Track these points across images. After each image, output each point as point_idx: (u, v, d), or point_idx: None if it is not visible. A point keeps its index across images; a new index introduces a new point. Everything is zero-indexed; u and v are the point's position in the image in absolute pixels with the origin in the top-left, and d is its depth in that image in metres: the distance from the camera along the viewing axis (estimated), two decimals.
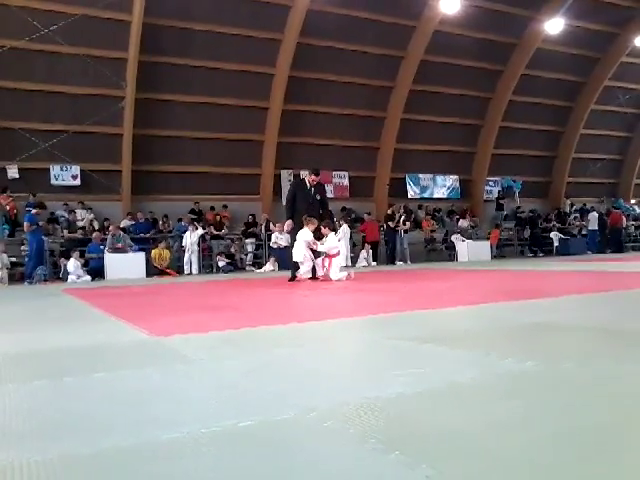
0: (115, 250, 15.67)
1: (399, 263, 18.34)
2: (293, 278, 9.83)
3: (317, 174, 10.21)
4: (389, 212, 19.29)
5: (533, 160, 26.38)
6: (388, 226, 18.78)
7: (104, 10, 17.74)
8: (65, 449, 1.59)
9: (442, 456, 1.41)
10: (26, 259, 14.93)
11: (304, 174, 10.25)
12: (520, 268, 12.37)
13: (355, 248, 19.06)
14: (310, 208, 9.96)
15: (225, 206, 19.99)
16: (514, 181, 25.63)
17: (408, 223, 19.51)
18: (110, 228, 16.28)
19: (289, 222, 10.13)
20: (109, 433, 1.72)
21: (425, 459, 1.38)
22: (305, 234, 9.63)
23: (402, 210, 19.46)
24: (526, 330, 3.47)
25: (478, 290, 7.17)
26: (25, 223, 14.65)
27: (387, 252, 19.00)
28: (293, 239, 10.12)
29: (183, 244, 17.05)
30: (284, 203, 11.02)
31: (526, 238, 23.48)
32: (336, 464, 1.41)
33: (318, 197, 10.15)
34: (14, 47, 17.06)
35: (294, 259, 9.73)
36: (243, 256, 19.06)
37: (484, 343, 3.08)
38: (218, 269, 17.38)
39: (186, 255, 16.90)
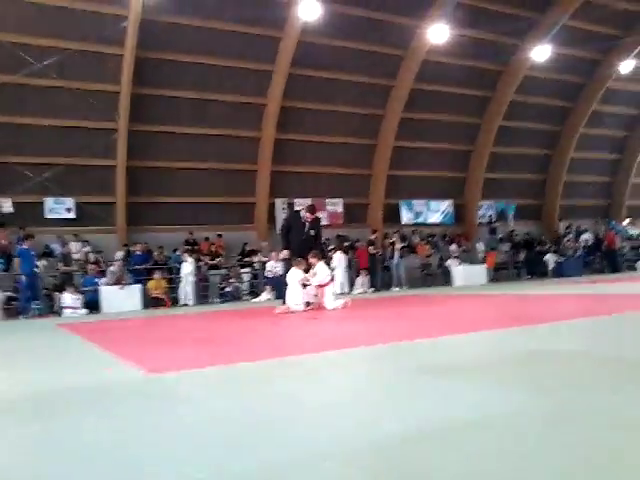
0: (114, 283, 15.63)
1: (395, 289, 18.31)
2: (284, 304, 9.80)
3: (312, 212, 10.35)
4: (371, 238, 19.42)
5: (525, 183, 26.58)
6: (368, 252, 18.84)
7: (97, 44, 17.92)
8: None
9: None
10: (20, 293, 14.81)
11: (298, 203, 10.34)
12: (518, 292, 12.35)
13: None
14: (304, 239, 10.05)
15: (219, 235, 19.98)
16: (507, 204, 25.77)
17: (402, 248, 19.54)
18: (115, 265, 16.16)
19: (286, 251, 10.23)
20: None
21: None
22: (295, 275, 9.61)
23: (394, 237, 19.51)
24: (525, 358, 3.45)
25: (475, 317, 7.14)
26: (15, 259, 14.58)
27: (370, 278, 18.85)
28: (288, 269, 10.11)
29: (180, 274, 16.98)
30: (278, 232, 11.08)
31: (521, 261, 23.52)
32: None
33: (312, 232, 10.25)
34: (7, 82, 17.17)
35: (291, 304, 9.63)
36: (239, 285, 18.97)
37: (484, 374, 3.06)
38: (221, 296, 17.47)
39: (181, 285, 16.81)
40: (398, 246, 19.09)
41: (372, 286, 18.27)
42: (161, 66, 19.06)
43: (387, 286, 18.97)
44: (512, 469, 1.57)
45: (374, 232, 20.00)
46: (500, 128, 24.78)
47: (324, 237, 19.94)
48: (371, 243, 19.09)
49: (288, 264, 10.19)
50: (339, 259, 17.35)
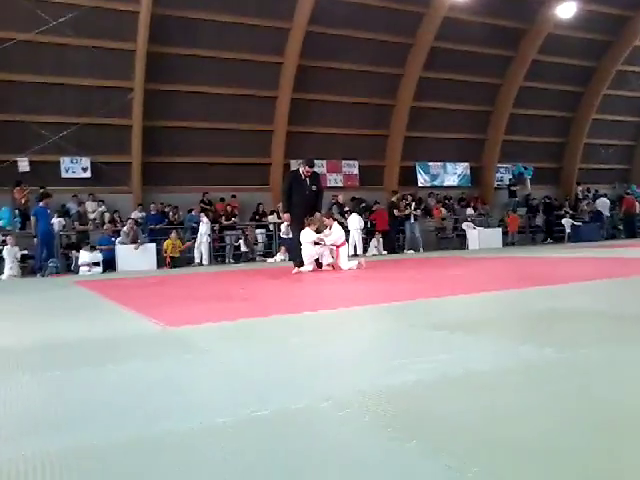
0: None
1: (409, 252, 18.28)
2: (298, 265, 9.77)
3: (311, 165, 10.05)
4: (393, 200, 19.15)
5: (544, 146, 26.13)
6: (392, 214, 18.65)
7: (112, 1, 17.71)
8: (79, 440, 1.58)
9: (462, 445, 1.38)
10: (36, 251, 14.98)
11: (298, 163, 10.11)
12: (535, 255, 12.29)
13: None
14: (306, 199, 9.84)
15: (233, 196, 19.95)
16: (525, 168, 25.42)
17: (418, 210, 19.46)
18: (127, 225, 16.22)
19: (286, 216, 10.09)
20: (123, 424, 1.71)
21: (445, 448, 1.36)
22: (308, 235, 9.61)
23: (410, 198, 19.38)
24: (542, 317, 3.43)
25: (491, 278, 7.12)
26: (32, 218, 14.71)
27: (392, 240, 18.79)
28: (294, 232, 10.12)
29: (195, 235, 17.06)
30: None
31: (538, 225, 23.36)
32: (353, 453, 1.39)
33: (314, 188, 10.00)
34: (23, 40, 17.06)
35: (305, 262, 9.64)
36: (254, 246, 19.07)
37: (501, 330, 3.05)
38: (235, 256, 17.60)
39: (196, 245, 16.91)
40: (416, 211, 19.00)
41: (388, 249, 18.27)
42: (177, 24, 18.79)
43: (401, 249, 18.95)
44: (523, 415, 1.56)
45: (395, 193, 19.75)
46: (521, 89, 24.27)
47: (338, 198, 20.01)
48: (394, 205, 18.88)
49: (294, 227, 10.10)
50: (354, 220, 17.32)
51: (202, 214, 17.20)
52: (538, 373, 2.03)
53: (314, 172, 10.26)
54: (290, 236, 11.71)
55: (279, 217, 18.17)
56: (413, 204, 19.43)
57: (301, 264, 9.78)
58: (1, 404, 2.06)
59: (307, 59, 20.38)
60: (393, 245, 18.60)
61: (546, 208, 23.33)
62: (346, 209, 19.47)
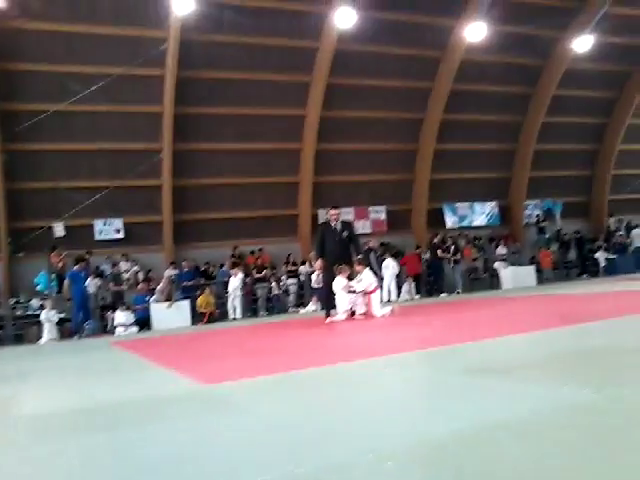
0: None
1: (443, 295, 18.11)
2: (329, 314, 9.80)
3: (336, 207, 10.37)
4: (435, 241, 19.05)
5: (572, 180, 25.91)
6: (435, 255, 18.49)
7: (139, 68, 18.38)
8: None
9: None
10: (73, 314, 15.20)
11: (325, 213, 10.43)
12: (569, 291, 12.07)
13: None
14: (338, 247, 9.99)
15: (260, 249, 20.12)
16: (554, 203, 25.22)
17: (458, 252, 19.39)
18: (161, 284, 16.48)
19: (319, 262, 10.35)
20: None
21: None
22: (340, 283, 9.62)
23: (450, 240, 19.32)
24: (580, 355, 3.37)
25: (527, 318, 7.02)
26: (65, 282, 14.99)
27: (431, 283, 18.65)
28: (325, 280, 10.24)
29: (228, 289, 17.18)
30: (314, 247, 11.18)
31: (571, 260, 22.99)
32: None
33: (345, 234, 10.13)
34: (57, 111, 17.75)
35: (339, 311, 9.65)
36: (286, 296, 19.11)
37: (540, 372, 3.01)
38: (267, 309, 17.70)
39: (229, 300, 17.01)
40: (457, 254, 18.93)
41: (430, 290, 18.09)
42: (202, 84, 19.41)
43: (436, 292, 18.77)
44: (571, 461, 1.54)
45: (436, 236, 19.70)
46: (543, 124, 24.27)
47: (369, 244, 20.02)
48: (438, 246, 18.83)
49: (326, 275, 10.22)
50: (389, 266, 17.26)
51: (235, 269, 17.32)
52: (577, 416, 2.00)
53: (344, 220, 10.45)
54: (321, 285, 11.74)
55: (310, 266, 18.23)
56: (453, 246, 19.40)
57: (331, 313, 9.77)
58: (53, 467, 2.10)
59: (329, 109, 20.76)
60: (438, 287, 18.43)
61: (578, 242, 22.99)
62: (378, 254, 19.45)
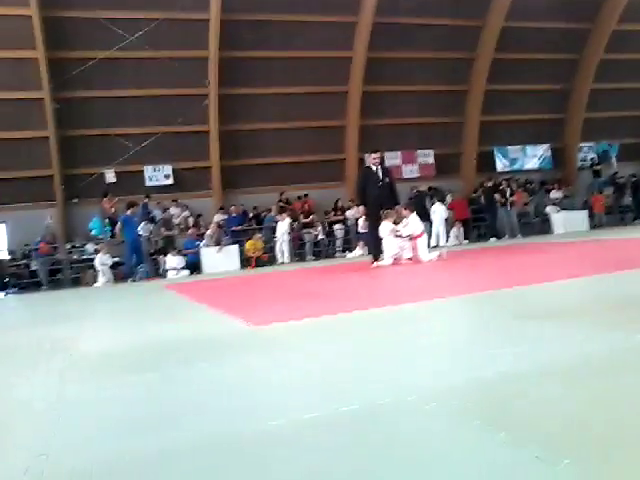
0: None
1: (492, 239, 17.88)
2: (376, 259, 9.81)
3: (377, 151, 10.38)
4: (490, 184, 18.67)
5: (628, 121, 24.78)
6: (492, 199, 18.14)
7: (182, 12, 18.25)
8: (177, 436, 1.69)
9: (551, 436, 1.39)
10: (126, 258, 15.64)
11: (371, 157, 10.32)
12: (623, 237, 11.75)
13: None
14: (380, 192, 9.93)
15: (306, 195, 20.13)
16: (610, 145, 24.27)
17: (514, 196, 19.03)
18: (210, 228, 16.76)
19: (362, 208, 10.28)
20: (215, 422, 1.81)
21: (533, 439, 1.37)
22: (386, 226, 9.60)
23: (505, 184, 18.90)
24: (631, 301, 3.31)
25: (577, 263, 6.89)
26: (118, 225, 15.38)
27: (486, 227, 18.32)
28: (371, 225, 10.25)
29: (275, 234, 17.37)
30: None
31: (626, 205, 22.24)
32: (440, 446, 1.42)
33: (387, 180, 10.11)
34: (103, 58, 17.89)
35: (386, 256, 9.66)
36: (333, 240, 19.23)
37: (589, 317, 2.98)
38: (315, 253, 17.92)
39: (277, 244, 17.22)
40: (513, 196, 18.60)
41: (489, 234, 17.92)
42: (246, 28, 19.15)
43: (485, 236, 18.56)
44: (612, 404, 1.54)
45: (490, 180, 19.33)
46: (601, 62, 23.13)
47: (416, 189, 19.81)
48: (495, 190, 18.51)
49: (370, 219, 10.23)
50: (439, 210, 17.11)
51: (282, 214, 17.44)
52: (629, 361, 1.99)
53: (384, 165, 10.41)
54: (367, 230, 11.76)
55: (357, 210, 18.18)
56: (508, 190, 19.00)
57: (378, 257, 9.79)
58: (103, 404, 2.22)
59: (376, 51, 20.26)
60: (494, 230, 18.16)
61: (633, 186, 22.16)
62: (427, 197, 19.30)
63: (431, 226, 16.74)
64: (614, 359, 2.02)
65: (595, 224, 20.05)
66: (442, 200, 19.04)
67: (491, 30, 21.36)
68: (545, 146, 23.94)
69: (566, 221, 18.80)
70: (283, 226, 16.93)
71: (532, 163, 23.82)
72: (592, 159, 24.18)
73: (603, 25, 22.69)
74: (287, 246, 17.08)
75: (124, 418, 1.99)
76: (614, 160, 24.02)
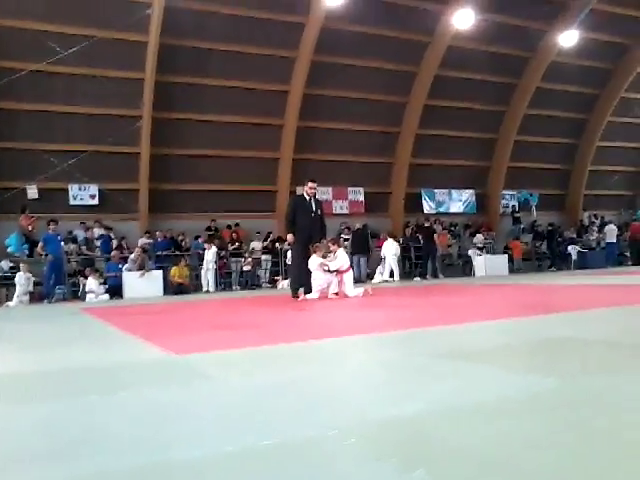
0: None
1: (416, 279, 18.28)
2: (297, 291, 9.69)
3: (313, 181, 10.12)
4: (427, 225, 19.20)
5: (549, 173, 26.23)
6: (431, 238, 18.62)
7: (121, 32, 18.02)
8: (88, 468, 1.60)
9: (467, 474, 1.40)
10: (45, 278, 15.04)
11: (300, 190, 10.23)
12: (539, 282, 12.26)
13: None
14: (311, 223, 9.82)
15: (237, 224, 20.03)
16: (530, 194, 25.51)
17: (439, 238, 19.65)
18: (134, 252, 16.30)
19: (290, 236, 9.94)
20: (131, 452, 1.73)
21: (449, 476, 1.37)
22: (315, 260, 9.56)
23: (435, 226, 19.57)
24: (546, 345, 3.43)
25: (496, 305, 7.12)
26: (40, 243, 14.81)
27: (426, 266, 18.72)
28: (295, 256, 10.20)
29: (203, 261, 17.13)
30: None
31: (543, 252, 23.33)
32: None
33: (319, 212, 10.03)
34: (34, 70, 17.36)
35: (313, 289, 9.62)
36: (260, 273, 19.14)
37: (505, 359, 3.06)
38: (241, 283, 17.75)
39: (203, 273, 16.97)
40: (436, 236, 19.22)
41: (391, 276, 18.28)
42: (185, 53, 19.13)
43: (406, 275, 18.96)
44: (527, 445, 1.57)
45: (427, 220, 19.90)
46: (525, 116, 24.46)
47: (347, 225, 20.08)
48: (434, 230, 19.28)
49: (296, 250, 10.10)
50: (390, 246, 17.47)
51: (209, 243, 17.22)
52: (540, 403, 2.04)
53: (318, 199, 10.36)
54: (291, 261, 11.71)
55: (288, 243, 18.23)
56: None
57: (296, 291, 9.67)
58: (8, 432, 2.08)
59: (313, 87, 20.63)
60: (434, 269, 18.55)
61: (550, 235, 23.33)
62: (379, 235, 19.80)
63: (368, 261, 17.42)
64: (529, 401, 2.08)
65: (514, 269, 20.87)
66: (375, 237, 19.59)
67: (425, 77, 22.21)
68: (470, 191, 24.89)
69: (487, 264, 19.49)
70: (209, 254, 16.73)
71: (457, 207, 24.68)
72: (513, 206, 25.34)
73: (528, 82, 24.03)
74: (212, 275, 16.86)
75: (30, 446, 1.87)
76: (534, 208, 25.23)
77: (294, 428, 1.85)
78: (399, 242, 18.51)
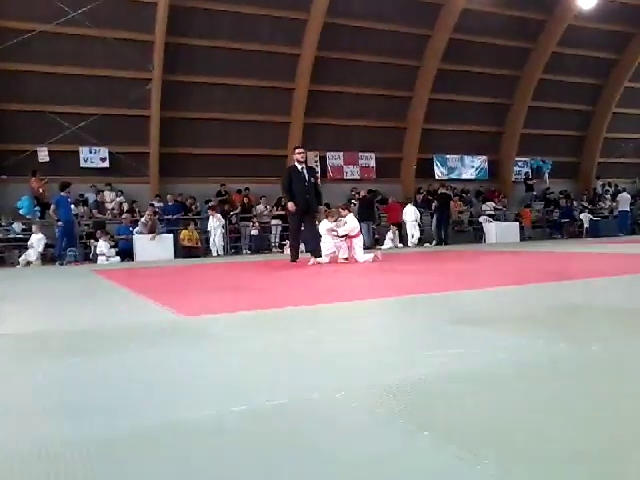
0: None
1: (427, 244, 18.25)
2: (294, 259, 10.12)
3: (300, 147, 10.58)
4: (444, 191, 18.99)
5: (563, 140, 25.84)
6: (447, 206, 18.46)
7: None
8: (94, 428, 1.62)
9: (472, 437, 1.40)
10: (57, 240, 15.14)
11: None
12: (550, 250, 12.20)
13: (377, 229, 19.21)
14: (305, 191, 10.06)
15: (247, 189, 19.98)
16: (543, 161, 25.21)
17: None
18: (145, 215, 16.30)
19: (291, 204, 10.08)
20: (140, 412, 1.75)
21: (455, 440, 1.38)
22: (325, 226, 9.73)
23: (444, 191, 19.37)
24: (557, 311, 3.42)
25: (508, 272, 7.10)
26: (52, 206, 14.86)
27: (439, 233, 18.55)
28: (292, 222, 10.46)
29: (208, 228, 17.17)
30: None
31: (554, 220, 23.17)
32: (364, 443, 1.41)
33: (312, 180, 10.33)
34: (43, 31, 17.19)
35: (323, 254, 9.77)
36: (270, 237, 19.18)
37: (516, 325, 3.05)
38: (251, 247, 17.85)
39: (211, 238, 17.01)
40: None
41: (400, 241, 18.26)
42: (195, 15, 18.83)
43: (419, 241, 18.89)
44: (534, 409, 1.57)
45: (443, 186, 19.67)
46: (540, 81, 24.00)
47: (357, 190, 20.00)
48: (450, 197, 19.11)
49: (294, 218, 10.30)
50: (410, 212, 17.53)
51: (211, 211, 17.18)
52: (550, 369, 2.04)
53: (310, 167, 10.59)
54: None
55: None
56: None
57: (296, 254, 10.19)
58: (19, 390, 2.11)
59: (324, 50, 20.31)
60: (445, 235, 18.49)
61: (555, 203, 23.18)
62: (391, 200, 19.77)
63: (375, 227, 17.54)
64: (538, 367, 2.07)
65: (524, 237, 20.78)
66: (382, 202, 19.51)
67: (438, 40, 21.78)
68: (483, 157, 24.62)
69: (498, 231, 19.40)
70: (213, 222, 16.78)
71: (469, 173, 24.45)
72: (526, 173, 25.07)
73: (544, 46, 23.52)
74: (220, 240, 16.93)
75: (40, 404, 1.90)
76: (547, 176, 24.97)
77: (300, 390, 1.86)
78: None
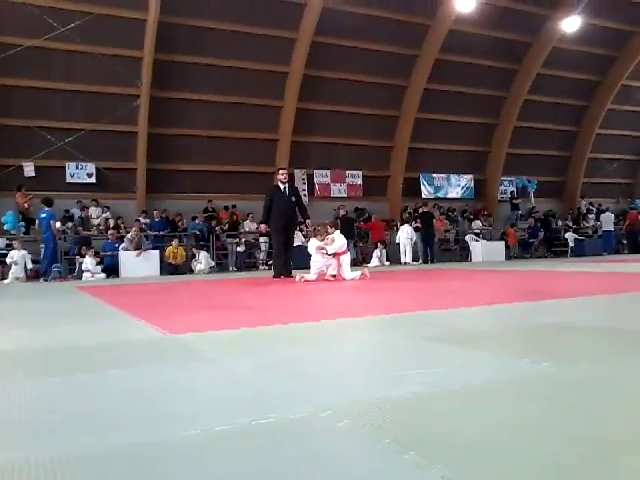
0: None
1: (414, 263, 18.29)
2: (278, 276, 10.37)
3: (284, 168, 10.99)
4: (426, 209, 19.09)
5: (548, 160, 26.17)
6: (431, 224, 18.52)
7: (120, 9, 17.85)
8: (79, 446, 1.60)
9: (458, 457, 1.40)
10: (42, 256, 15.02)
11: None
12: (535, 269, 12.28)
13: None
14: (286, 210, 10.36)
15: (234, 206, 19.99)
16: (529, 181, 25.49)
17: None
18: (131, 231, 16.23)
19: (262, 226, 10.71)
20: (123, 430, 1.73)
21: (441, 459, 1.37)
22: (314, 243, 9.81)
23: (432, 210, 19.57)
24: (540, 331, 3.44)
25: (493, 290, 7.13)
26: (37, 221, 14.75)
27: (425, 251, 18.58)
28: (274, 242, 10.82)
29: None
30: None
31: (540, 239, 23.34)
32: (350, 463, 1.41)
33: (293, 199, 10.54)
34: (31, 46, 17.20)
35: (311, 272, 9.81)
36: (257, 254, 19.13)
37: (500, 344, 3.06)
38: (237, 264, 17.74)
39: (194, 264, 16.92)
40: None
41: (387, 259, 18.31)
42: (184, 31, 18.95)
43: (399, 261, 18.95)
44: (518, 429, 1.58)
45: (425, 205, 19.83)
46: (525, 102, 24.36)
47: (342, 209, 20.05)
48: (433, 216, 19.22)
49: (275, 237, 10.73)
50: (404, 231, 17.65)
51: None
52: (535, 388, 2.05)
53: (293, 185, 10.86)
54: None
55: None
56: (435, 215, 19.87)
57: (279, 271, 10.45)
58: (1, 408, 2.08)
59: (313, 69, 20.50)
60: (432, 255, 18.43)
61: (547, 222, 23.35)
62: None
63: (355, 245, 17.33)
64: (521, 386, 2.08)
65: (510, 255, 20.92)
66: (367, 220, 19.65)
67: (425, 60, 22.07)
68: (469, 176, 24.85)
69: (484, 250, 19.52)
70: (200, 257, 16.84)
71: (455, 192, 24.65)
72: (512, 192, 25.32)
73: (529, 67, 23.90)
74: (206, 262, 16.92)
75: (23, 422, 1.87)
76: (532, 195, 25.22)
77: (287, 409, 1.85)
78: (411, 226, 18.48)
